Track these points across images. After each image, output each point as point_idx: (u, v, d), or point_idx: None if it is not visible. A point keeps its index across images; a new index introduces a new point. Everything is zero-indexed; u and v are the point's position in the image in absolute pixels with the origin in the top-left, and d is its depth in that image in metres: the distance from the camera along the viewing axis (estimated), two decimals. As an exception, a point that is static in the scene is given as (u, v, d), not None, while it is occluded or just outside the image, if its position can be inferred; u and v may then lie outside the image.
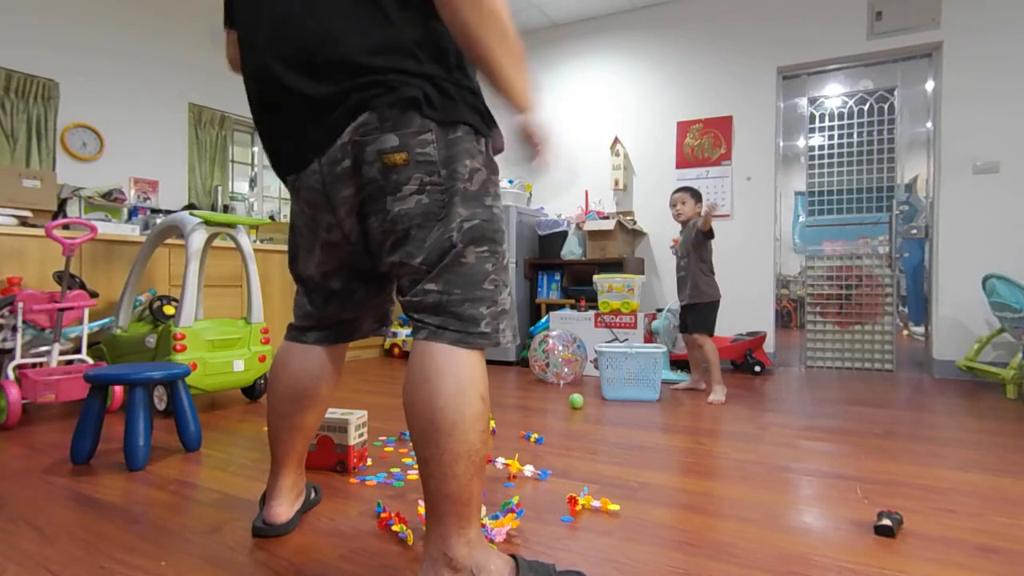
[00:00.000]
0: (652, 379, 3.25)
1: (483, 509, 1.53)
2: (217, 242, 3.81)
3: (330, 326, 1.37)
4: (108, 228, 3.55)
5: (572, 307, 4.57)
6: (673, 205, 3.46)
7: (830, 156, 4.52)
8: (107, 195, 3.84)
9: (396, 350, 5.29)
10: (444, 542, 1.05)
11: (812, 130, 4.58)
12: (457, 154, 1.08)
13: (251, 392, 3.21)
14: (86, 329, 2.94)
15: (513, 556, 1.11)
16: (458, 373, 1.05)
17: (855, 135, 4.45)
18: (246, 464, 2.07)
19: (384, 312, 1.43)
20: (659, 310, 4.58)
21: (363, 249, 1.20)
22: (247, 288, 3.16)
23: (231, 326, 3.02)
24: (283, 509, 1.44)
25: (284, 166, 1.20)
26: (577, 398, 3.07)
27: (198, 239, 2.90)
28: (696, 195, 3.44)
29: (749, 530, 1.50)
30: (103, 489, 1.80)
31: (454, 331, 1.08)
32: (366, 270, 1.28)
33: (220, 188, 4.70)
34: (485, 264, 1.11)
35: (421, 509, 1.48)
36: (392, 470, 1.98)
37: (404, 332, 5.25)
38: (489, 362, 4.87)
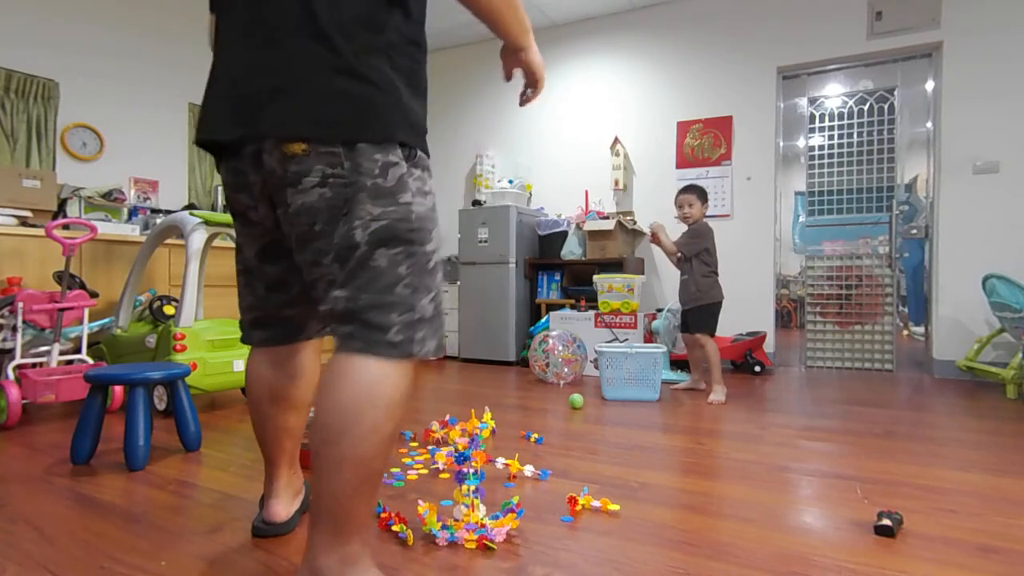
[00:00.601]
0: (652, 379, 3.25)
1: (483, 509, 1.53)
2: (217, 242, 3.81)
3: (274, 323, 1.29)
4: (108, 228, 3.55)
5: (572, 307, 4.57)
6: (680, 207, 3.43)
7: (830, 156, 4.52)
8: (107, 195, 3.84)
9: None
10: (312, 551, 0.99)
11: (812, 130, 4.58)
12: (365, 148, 1.00)
13: (251, 392, 3.21)
14: (86, 329, 2.94)
15: None
16: (364, 378, 0.98)
17: (855, 135, 4.45)
18: (246, 464, 2.07)
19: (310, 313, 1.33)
20: (659, 310, 4.58)
21: (283, 237, 1.17)
22: (247, 288, 3.15)
23: (231, 326, 3.02)
24: (281, 508, 1.44)
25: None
26: (577, 398, 3.07)
27: (198, 239, 2.90)
28: (703, 195, 3.42)
29: (749, 530, 1.50)
30: (103, 489, 1.80)
31: (359, 340, 1.00)
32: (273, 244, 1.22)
33: (220, 188, 4.70)
34: (398, 267, 1.02)
35: (421, 509, 1.48)
36: (392, 470, 1.98)
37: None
38: (489, 362, 4.86)
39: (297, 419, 1.38)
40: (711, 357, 3.31)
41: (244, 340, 1.34)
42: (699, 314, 3.36)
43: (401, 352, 1.01)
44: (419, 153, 1.09)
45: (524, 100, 1.34)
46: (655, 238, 3.46)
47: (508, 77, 1.32)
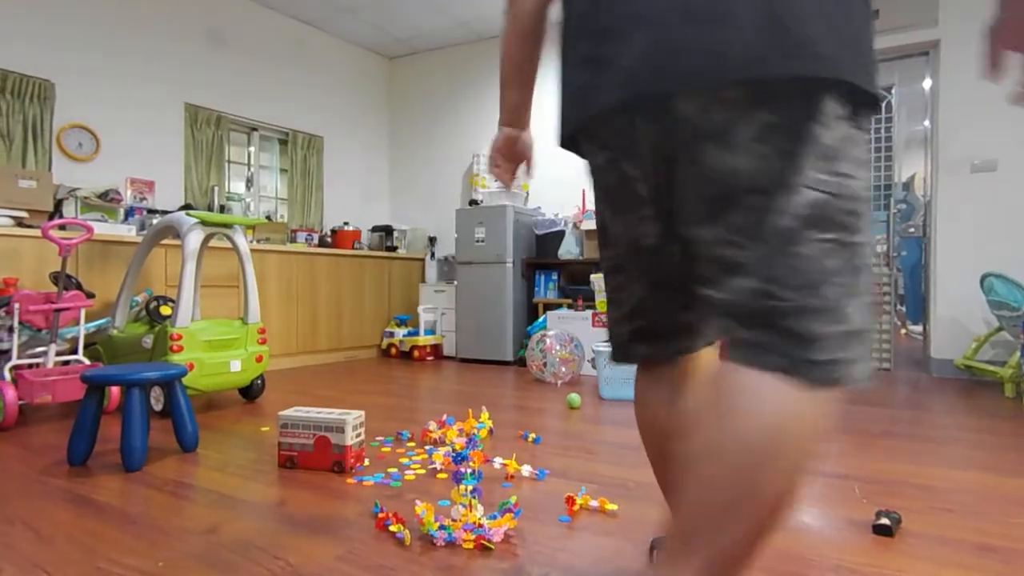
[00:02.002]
0: (650, 378, 3.24)
1: (480, 509, 1.53)
2: (214, 242, 3.80)
3: (661, 330, 0.97)
4: (104, 228, 3.54)
5: (569, 307, 4.57)
6: None
7: (828, 155, 4.52)
8: (103, 195, 3.83)
9: (393, 350, 5.28)
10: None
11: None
12: (816, 94, 0.76)
13: (248, 392, 3.21)
14: (83, 330, 2.93)
15: None
16: (781, 407, 0.74)
17: (852, 134, 4.45)
18: (243, 464, 2.06)
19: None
20: (657, 309, 4.57)
21: (649, 200, 0.90)
22: (244, 288, 3.15)
23: (228, 326, 3.01)
24: None
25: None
26: (575, 398, 3.07)
27: (195, 239, 2.89)
28: None
29: (747, 529, 1.49)
30: (100, 490, 1.80)
31: (776, 354, 0.75)
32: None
33: (216, 188, 4.69)
34: (828, 259, 0.75)
35: (418, 509, 1.47)
36: (389, 470, 1.97)
37: (401, 332, 5.25)
38: (487, 361, 4.86)
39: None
40: None
41: (620, 358, 1.02)
42: None
43: (827, 377, 0.75)
44: (867, 108, 0.81)
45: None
46: None
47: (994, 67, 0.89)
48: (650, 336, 0.99)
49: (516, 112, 1.17)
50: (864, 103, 0.80)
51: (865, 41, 0.79)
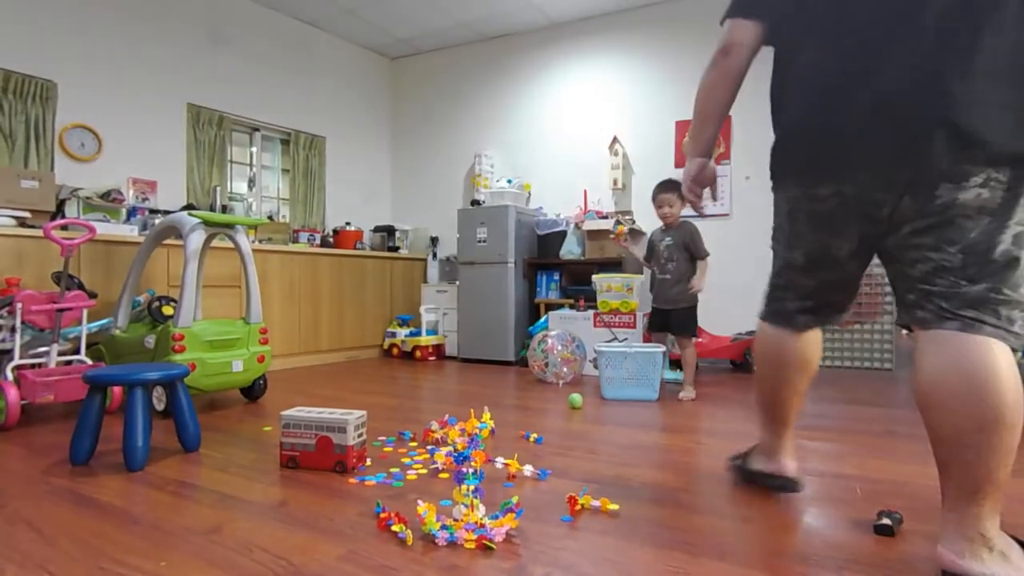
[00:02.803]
0: (651, 378, 3.25)
1: (482, 509, 1.53)
2: (216, 242, 3.80)
3: (822, 306, 1.51)
4: (107, 229, 3.55)
5: (571, 307, 4.57)
6: (660, 206, 3.37)
7: (829, 155, 4.51)
8: (105, 195, 3.83)
9: (395, 350, 5.28)
10: (981, 523, 1.15)
11: (811, 129, 4.57)
12: (1021, 160, 1.14)
13: (250, 392, 3.21)
14: (85, 330, 2.93)
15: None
16: (1001, 360, 1.12)
17: (854, 134, 4.44)
18: (245, 464, 2.06)
19: (856, 296, 1.52)
20: (658, 309, 4.57)
21: (880, 219, 1.27)
22: (246, 288, 3.16)
23: (230, 326, 3.02)
24: (793, 464, 1.67)
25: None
26: (576, 398, 3.07)
27: (197, 239, 2.90)
28: (681, 192, 3.38)
29: (749, 530, 1.50)
30: (102, 490, 1.80)
31: (992, 326, 1.14)
32: (869, 236, 1.32)
33: (218, 188, 4.70)
34: (1022, 264, 1.17)
35: (420, 509, 1.48)
36: (391, 470, 1.98)
37: (403, 332, 5.25)
38: (489, 361, 4.87)
39: (807, 385, 1.61)
40: (690, 360, 3.34)
41: (784, 324, 1.55)
42: (690, 315, 3.36)
43: (1020, 341, 1.16)
44: None
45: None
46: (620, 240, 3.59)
47: None
48: (811, 311, 1.52)
49: (709, 145, 1.56)
50: None
51: None
